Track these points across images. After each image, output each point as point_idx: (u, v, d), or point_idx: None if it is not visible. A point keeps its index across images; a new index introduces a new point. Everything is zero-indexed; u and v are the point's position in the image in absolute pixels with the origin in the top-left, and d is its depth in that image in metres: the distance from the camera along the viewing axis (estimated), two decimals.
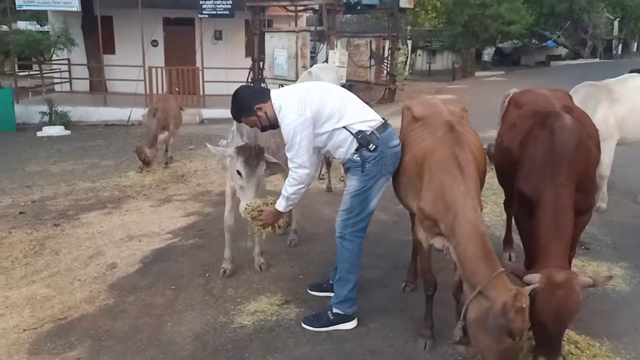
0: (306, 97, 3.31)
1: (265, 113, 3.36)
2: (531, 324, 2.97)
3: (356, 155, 3.35)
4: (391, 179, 3.56)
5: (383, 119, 3.48)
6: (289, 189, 3.41)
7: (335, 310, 3.61)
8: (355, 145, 3.33)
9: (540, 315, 2.79)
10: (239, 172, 3.72)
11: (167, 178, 8.02)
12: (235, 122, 4.21)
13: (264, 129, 3.53)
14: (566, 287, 2.72)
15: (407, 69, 19.37)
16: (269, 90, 3.48)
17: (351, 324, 3.62)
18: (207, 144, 4.10)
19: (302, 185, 3.41)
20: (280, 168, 4.01)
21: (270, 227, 3.59)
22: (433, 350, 3.35)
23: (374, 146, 3.30)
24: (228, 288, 4.26)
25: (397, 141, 3.46)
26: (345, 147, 3.37)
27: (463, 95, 16.48)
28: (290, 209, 5.26)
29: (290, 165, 3.37)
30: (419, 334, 3.44)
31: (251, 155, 3.70)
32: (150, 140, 8.12)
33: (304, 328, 3.62)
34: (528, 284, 2.77)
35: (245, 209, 3.58)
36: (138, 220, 6.07)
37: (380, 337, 3.51)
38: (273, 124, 3.42)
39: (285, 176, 3.55)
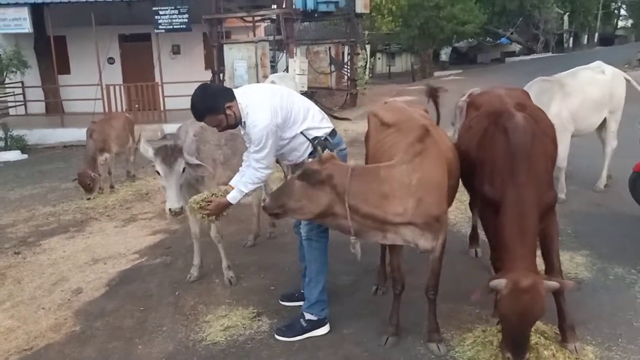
0: (275, 100, 3.38)
1: (234, 112, 3.35)
2: (500, 323, 3.02)
3: (310, 159, 3.43)
4: None
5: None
6: (250, 186, 3.47)
7: (307, 316, 3.63)
8: (309, 150, 3.47)
9: (506, 318, 2.82)
10: (157, 172, 3.80)
11: (131, 197, 7.88)
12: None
13: (224, 128, 3.48)
14: (532, 291, 2.72)
15: (367, 72, 19.54)
16: (231, 89, 3.48)
17: (324, 329, 3.64)
18: (141, 142, 3.96)
19: (262, 184, 3.60)
20: (203, 169, 4.09)
21: (214, 217, 3.64)
22: (406, 350, 3.38)
23: (329, 151, 3.40)
24: (199, 305, 4.21)
25: (344, 145, 3.71)
26: (300, 152, 3.54)
27: (423, 96, 16.72)
28: (257, 218, 5.32)
29: (256, 165, 3.41)
30: (383, 331, 3.50)
31: (167, 153, 3.75)
32: (90, 163, 7.72)
33: (277, 340, 3.60)
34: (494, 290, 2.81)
35: (193, 200, 3.57)
36: (102, 242, 5.94)
37: (354, 342, 3.52)
38: (237, 123, 3.43)
39: (210, 177, 3.68)
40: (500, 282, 2.78)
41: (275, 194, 3.20)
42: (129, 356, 3.60)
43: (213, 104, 3.32)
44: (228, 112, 3.32)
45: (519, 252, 2.86)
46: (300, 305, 3.80)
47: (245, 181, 3.47)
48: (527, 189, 2.93)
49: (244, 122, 3.37)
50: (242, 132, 3.51)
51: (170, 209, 3.73)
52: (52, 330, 4.06)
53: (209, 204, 3.53)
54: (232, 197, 3.50)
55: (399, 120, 3.56)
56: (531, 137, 3.03)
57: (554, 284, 2.79)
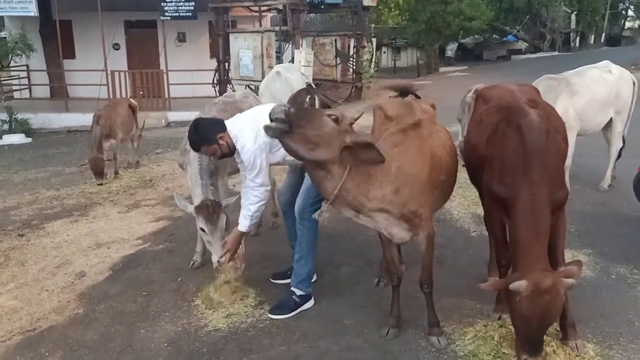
0: (257, 125, 3.54)
1: (226, 142, 3.63)
2: (514, 325, 2.94)
3: None
4: None
5: None
6: (252, 207, 3.68)
7: (298, 292, 3.82)
8: None
9: (526, 319, 2.75)
10: (202, 229, 3.95)
11: (135, 183, 7.89)
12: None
13: (221, 157, 3.76)
14: (552, 292, 2.69)
15: (372, 66, 19.48)
16: (222, 121, 3.73)
17: (311, 302, 3.89)
18: (175, 198, 4.13)
19: (263, 202, 3.72)
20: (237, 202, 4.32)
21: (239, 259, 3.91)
22: (407, 342, 3.39)
23: None
24: (201, 291, 4.22)
25: None
26: None
27: (428, 91, 16.66)
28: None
29: (251, 184, 3.66)
30: (384, 323, 3.53)
31: (210, 211, 3.93)
32: (98, 149, 7.75)
33: (276, 325, 3.65)
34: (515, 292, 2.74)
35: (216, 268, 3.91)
36: (106, 227, 5.96)
37: (355, 333, 3.54)
38: (231, 152, 3.68)
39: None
40: (521, 284, 2.70)
41: (300, 112, 2.89)
42: (131, 340, 3.63)
43: (206, 136, 3.63)
44: (221, 142, 3.62)
45: (535, 252, 2.80)
46: None
47: (246, 204, 3.72)
48: (541, 187, 2.87)
49: (237, 148, 3.65)
50: (237, 160, 3.76)
51: (219, 262, 3.88)
52: (55, 312, 4.09)
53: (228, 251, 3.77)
54: (241, 225, 3.75)
55: (400, 114, 3.56)
56: (545, 135, 2.96)
57: (572, 281, 2.76)
